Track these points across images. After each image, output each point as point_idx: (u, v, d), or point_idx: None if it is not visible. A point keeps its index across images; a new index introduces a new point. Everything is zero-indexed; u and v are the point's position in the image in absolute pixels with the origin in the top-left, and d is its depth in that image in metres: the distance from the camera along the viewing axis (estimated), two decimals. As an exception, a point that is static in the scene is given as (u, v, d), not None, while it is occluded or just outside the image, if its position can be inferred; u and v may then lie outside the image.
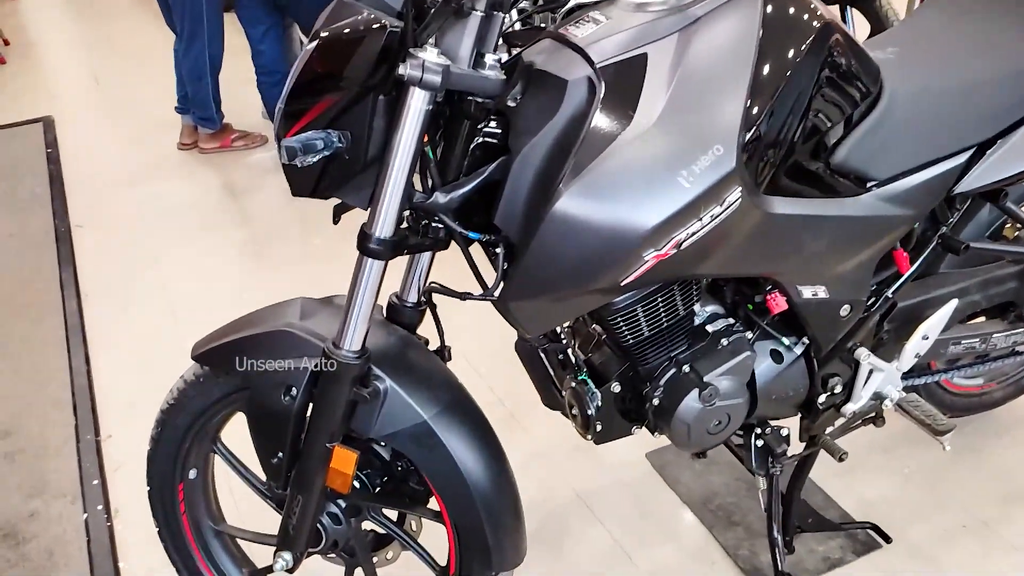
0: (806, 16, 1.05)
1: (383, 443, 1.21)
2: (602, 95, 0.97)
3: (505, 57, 1.06)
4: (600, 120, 0.96)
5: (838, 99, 1.10)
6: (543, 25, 1.29)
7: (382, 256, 1.03)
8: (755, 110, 0.98)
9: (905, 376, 1.56)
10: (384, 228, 1.01)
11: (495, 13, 0.98)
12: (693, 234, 0.98)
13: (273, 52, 3.09)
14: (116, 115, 4.07)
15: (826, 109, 1.09)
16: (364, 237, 1.02)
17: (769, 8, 1.02)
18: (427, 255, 1.22)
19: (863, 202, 1.18)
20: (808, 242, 1.15)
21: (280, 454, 1.17)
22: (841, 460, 1.39)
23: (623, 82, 0.98)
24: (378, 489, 1.28)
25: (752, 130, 0.98)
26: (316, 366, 1.10)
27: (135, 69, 4.58)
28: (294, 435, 1.14)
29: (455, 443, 1.16)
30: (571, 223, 0.95)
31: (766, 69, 1.00)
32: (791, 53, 1.02)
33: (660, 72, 0.98)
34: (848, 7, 2.03)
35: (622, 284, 1.01)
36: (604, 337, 1.32)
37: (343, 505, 1.27)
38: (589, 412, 1.26)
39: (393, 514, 1.35)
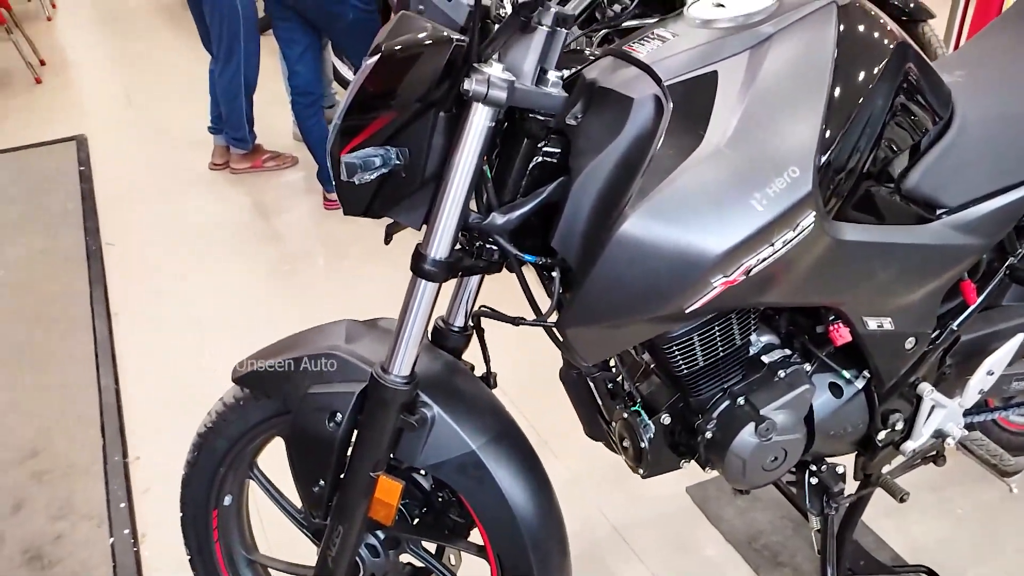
0: (881, 35, 1.02)
1: (425, 472, 1.16)
2: (670, 114, 0.93)
3: (567, 74, 1.03)
4: (668, 140, 0.92)
5: (911, 123, 1.06)
6: (583, 50, 1.26)
7: (437, 278, 0.99)
8: (830, 132, 0.95)
9: (966, 413, 1.50)
10: (440, 249, 0.98)
11: (558, 29, 0.95)
12: (764, 260, 0.94)
13: (309, 73, 3.10)
14: (148, 134, 4.10)
15: (899, 133, 1.05)
16: (419, 258, 0.99)
17: (843, 27, 0.99)
18: (476, 278, 1.18)
19: (933, 230, 1.13)
20: (877, 271, 1.10)
21: (322, 482, 1.12)
22: (903, 501, 1.32)
23: (692, 101, 0.94)
24: (417, 521, 1.24)
25: (828, 152, 0.94)
26: (363, 391, 1.06)
27: (167, 88, 4.62)
28: (337, 462, 1.10)
29: (503, 474, 1.11)
30: (637, 247, 0.91)
31: (842, 89, 0.96)
32: (867, 73, 0.98)
33: (731, 91, 0.94)
34: None
35: (687, 311, 0.96)
36: (653, 366, 1.27)
37: (382, 537, 1.22)
38: (642, 445, 1.21)
39: (432, 547, 1.30)
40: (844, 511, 1.48)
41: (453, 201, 0.96)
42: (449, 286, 1.15)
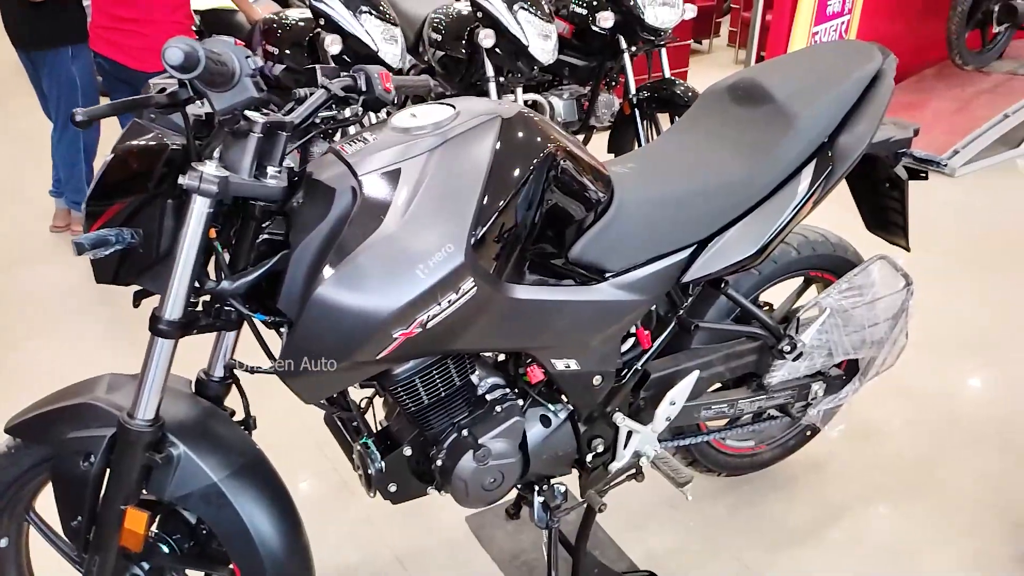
0: (534, 144, 1.30)
1: (178, 506, 1.33)
2: (360, 202, 1.18)
3: (294, 165, 1.27)
4: (356, 222, 1.17)
5: (568, 207, 1.35)
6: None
7: (170, 336, 1.19)
8: (483, 218, 1.21)
9: (676, 437, 1.81)
10: (172, 312, 1.18)
11: (279, 133, 1.19)
12: (435, 316, 1.19)
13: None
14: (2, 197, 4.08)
15: (558, 214, 1.34)
16: (155, 319, 1.18)
17: (502, 137, 1.27)
18: (232, 334, 1.38)
19: (601, 289, 1.43)
20: (552, 322, 1.38)
21: (80, 517, 1.27)
22: (600, 511, 1.59)
23: (378, 191, 1.20)
24: (183, 552, 1.39)
25: (481, 233, 1.21)
26: (114, 434, 1.23)
27: (21, 151, 4.59)
28: (92, 499, 1.26)
29: (246, 505, 1.29)
30: (329, 308, 1.14)
31: (494, 185, 1.23)
32: (517, 172, 1.26)
33: (409, 184, 1.21)
34: None
35: (378, 359, 1.20)
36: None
37: (147, 567, 1.37)
38: (371, 472, 1.43)
39: (199, 576, 1.46)
40: (579, 526, 1.74)
41: (182, 272, 1.16)
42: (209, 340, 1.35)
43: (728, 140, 1.58)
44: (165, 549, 1.38)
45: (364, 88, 1.31)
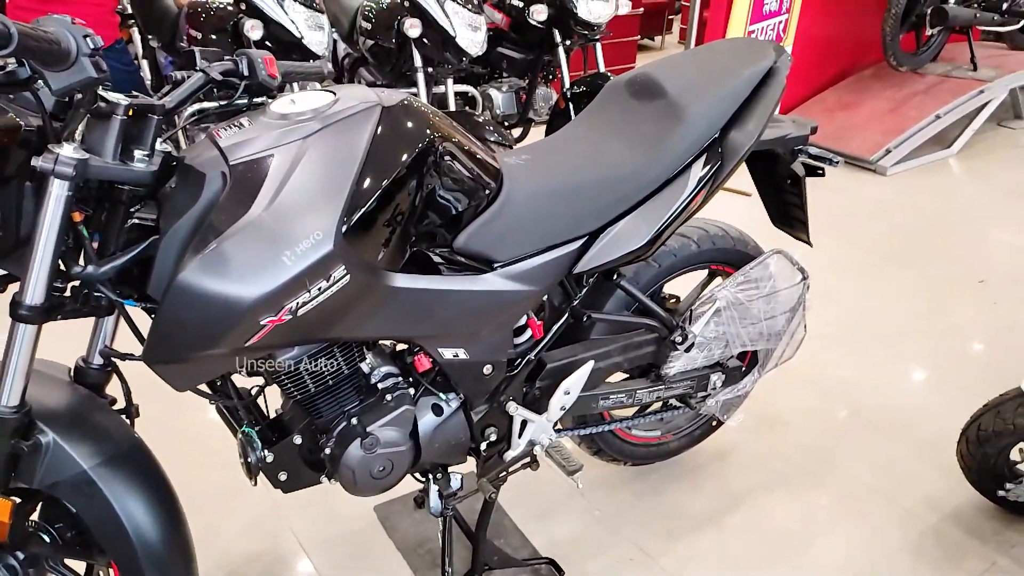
0: (415, 132, 1.30)
1: (51, 494, 1.31)
2: (229, 187, 1.17)
3: (169, 149, 1.25)
4: (223, 207, 1.16)
5: (451, 196, 1.36)
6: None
7: (32, 321, 1.16)
8: (356, 204, 1.21)
9: (578, 426, 1.83)
10: (34, 297, 1.15)
11: (148, 116, 1.17)
12: (305, 303, 1.19)
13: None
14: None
15: (439, 203, 1.34)
16: (15, 304, 1.16)
17: (382, 125, 1.27)
18: (111, 320, 1.36)
19: (487, 279, 1.43)
20: (438, 312, 1.39)
21: (-58, 506, 1.24)
22: (491, 499, 1.60)
23: (248, 177, 1.19)
24: (63, 541, 1.37)
25: (354, 221, 1.21)
26: (-23, 422, 1.20)
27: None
28: (-43, 488, 1.23)
29: (119, 494, 1.27)
30: (192, 292, 1.13)
31: (370, 172, 1.23)
32: (395, 160, 1.26)
33: (281, 170, 1.20)
34: None
35: (247, 346, 1.19)
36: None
37: (21, 557, 1.34)
38: (251, 460, 1.42)
39: (81, 567, 1.44)
40: (479, 514, 1.75)
41: (41, 257, 1.13)
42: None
43: (623, 133, 1.60)
44: (46, 538, 1.35)
45: (246, 73, 1.30)
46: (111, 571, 1.45)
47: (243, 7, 2.87)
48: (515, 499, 2.04)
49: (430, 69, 3.09)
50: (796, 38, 4.86)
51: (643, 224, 1.55)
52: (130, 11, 3.63)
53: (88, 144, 1.14)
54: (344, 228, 1.19)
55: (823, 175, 1.87)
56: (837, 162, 1.79)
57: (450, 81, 3.20)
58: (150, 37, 3.66)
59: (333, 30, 3.36)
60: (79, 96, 1.08)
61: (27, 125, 1.09)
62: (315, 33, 2.85)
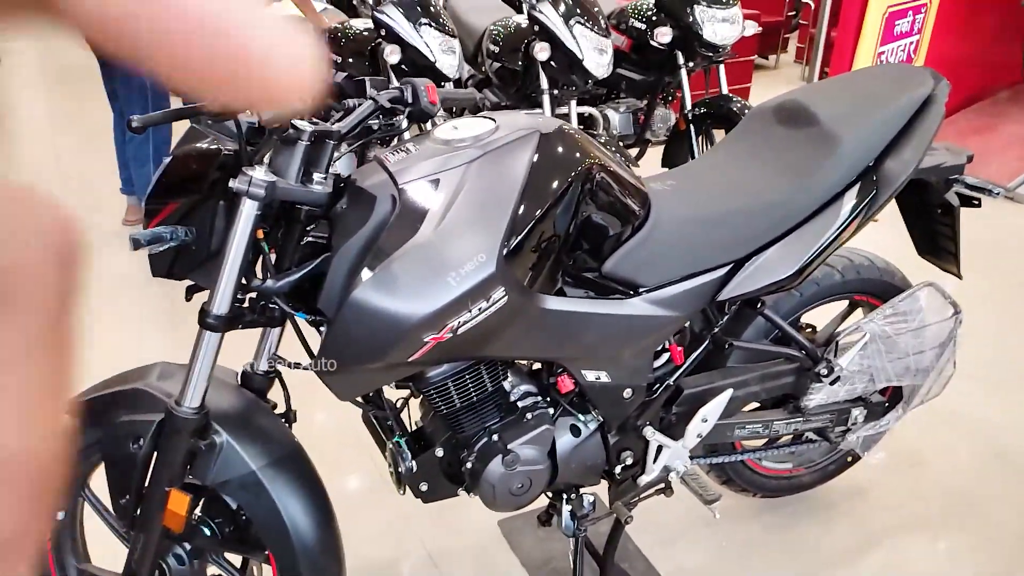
0: (571, 159, 1.34)
1: (219, 491, 1.40)
2: (399, 210, 1.23)
3: (341, 172, 1.33)
4: (394, 228, 1.22)
5: (603, 221, 1.38)
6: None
7: (217, 329, 1.26)
8: (517, 228, 1.25)
9: (709, 454, 1.81)
10: (220, 307, 1.24)
11: (326, 141, 1.25)
12: (465, 323, 1.23)
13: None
14: (71, 191, 4.31)
15: (592, 228, 1.37)
16: (203, 313, 1.25)
17: (539, 152, 1.30)
18: (276, 330, 1.44)
19: (633, 304, 1.45)
20: (583, 334, 1.41)
21: (128, 496, 1.35)
22: (627, 523, 1.60)
23: (417, 200, 1.25)
24: (223, 536, 1.46)
25: (514, 244, 1.24)
26: (162, 420, 1.31)
27: (97, 148, 4.84)
28: (139, 480, 1.33)
29: (281, 494, 1.35)
30: (363, 311, 1.19)
31: (529, 198, 1.27)
32: (553, 186, 1.29)
33: (447, 194, 1.25)
34: None
35: (410, 361, 1.25)
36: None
37: (188, 548, 1.44)
38: (401, 471, 1.48)
39: (238, 561, 1.53)
40: (608, 537, 1.75)
41: (230, 270, 1.23)
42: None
43: (771, 161, 1.58)
44: (207, 532, 1.45)
45: (410, 100, 1.36)
46: (266, 567, 1.54)
47: (382, 32, 3.00)
48: (639, 524, 2.02)
49: (555, 91, 3.14)
50: (927, 59, 4.66)
51: (791, 254, 1.52)
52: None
53: (274, 167, 1.22)
54: (505, 251, 1.23)
55: (979, 206, 1.79)
56: (998, 193, 1.71)
57: (573, 103, 3.24)
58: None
59: (459, 53, 3.46)
60: (273, 125, 1.16)
61: (225, 149, 1.19)
62: (447, 57, 2.95)
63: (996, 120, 4.95)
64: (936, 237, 1.84)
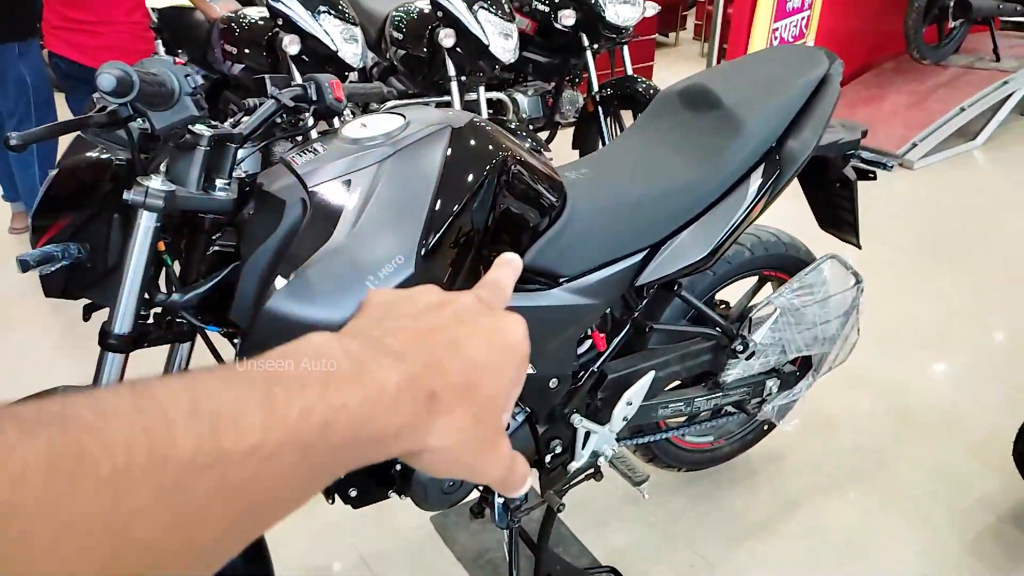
0: (485, 152, 1.32)
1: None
2: (310, 213, 1.19)
3: (244, 174, 1.27)
4: (306, 234, 1.18)
5: (521, 213, 1.37)
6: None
7: (120, 349, 1.18)
8: (433, 227, 1.22)
9: (635, 435, 1.84)
10: (122, 326, 1.17)
11: (227, 145, 1.19)
12: (387, 326, 1.20)
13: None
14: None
15: (510, 221, 1.36)
16: (104, 334, 1.18)
17: (452, 146, 1.28)
18: (186, 345, 1.37)
19: (554, 295, 1.44)
20: (507, 328, 1.40)
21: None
22: (559, 511, 1.62)
23: (329, 203, 1.20)
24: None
25: (432, 243, 1.22)
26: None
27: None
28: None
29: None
30: (278, 320, 1.15)
31: (444, 194, 1.24)
32: (468, 181, 1.27)
33: (359, 195, 1.21)
34: None
35: (331, 369, 1.21)
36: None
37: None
38: (329, 479, 1.44)
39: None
40: (540, 524, 1.76)
41: (130, 286, 1.16)
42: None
43: (679, 145, 1.60)
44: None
45: (315, 97, 1.31)
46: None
47: (279, 21, 2.89)
48: (570, 509, 2.05)
49: (463, 78, 3.11)
50: (817, 33, 4.85)
51: (704, 235, 1.55)
52: (161, 27, 3.66)
53: (172, 175, 1.15)
54: (423, 251, 1.21)
55: (875, 178, 1.87)
56: (891, 166, 1.79)
57: (482, 89, 3.21)
58: (179, 52, 3.69)
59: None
60: (163, 133, 1.10)
61: (116, 159, 1.11)
62: (350, 45, 2.86)
63: (883, 90, 5.21)
64: (836, 210, 1.92)
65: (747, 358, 1.78)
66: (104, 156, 1.11)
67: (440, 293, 0.45)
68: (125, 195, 1.10)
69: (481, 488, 1.65)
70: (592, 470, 1.69)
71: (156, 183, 1.11)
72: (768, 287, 2.00)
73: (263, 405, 0.33)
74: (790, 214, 2.09)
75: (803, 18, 4.73)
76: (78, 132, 1.15)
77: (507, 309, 0.44)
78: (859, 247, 1.94)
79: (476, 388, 0.41)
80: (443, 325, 0.42)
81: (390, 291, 0.45)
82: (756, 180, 1.58)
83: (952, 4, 4.96)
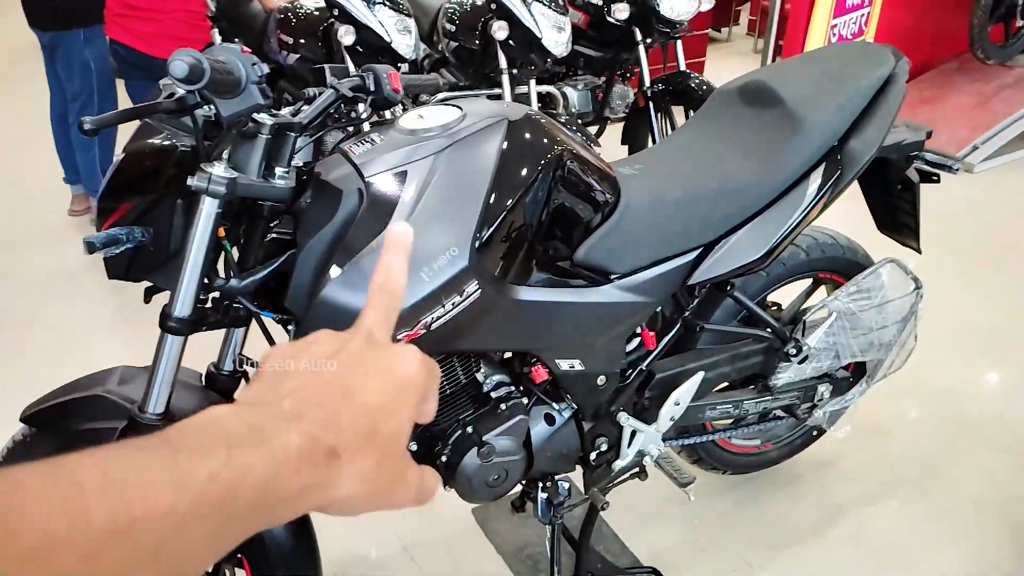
0: (541, 146, 1.31)
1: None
2: (366, 203, 1.20)
3: (303, 163, 1.28)
4: (362, 223, 1.18)
5: (575, 208, 1.36)
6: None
7: (180, 332, 1.21)
8: (488, 220, 1.22)
9: (681, 436, 1.82)
10: (182, 309, 1.20)
11: (287, 134, 1.20)
12: (439, 318, 1.21)
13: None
14: (9, 182, 4.13)
15: (564, 216, 1.35)
16: (164, 316, 1.20)
17: (508, 140, 1.28)
18: (241, 330, 1.40)
19: (605, 291, 1.43)
20: (557, 324, 1.39)
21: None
22: (603, 509, 1.61)
23: (384, 193, 1.21)
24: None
25: (486, 236, 1.22)
26: (124, 427, 1.26)
27: (38, 137, 4.64)
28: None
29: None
30: (333, 308, 1.16)
31: (500, 187, 1.24)
32: (523, 174, 1.27)
33: (415, 186, 1.22)
34: None
35: (382, 358, 1.21)
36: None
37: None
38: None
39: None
40: (583, 522, 1.76)
41: (191, 270, 1.18)
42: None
43: (737, 143, 1.58)
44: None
45: (372, 88, 1.32)
46: (239, 571, 1.51)
47: (335, 12, 2.91)
48: (613, 507, 2.03)
49: (514, 71, 3.10)
50: (877, 30, 4.72)
51: (760, 236, 1.52)
52: (219, 15, 3.72)
53: (234, 163, 1.17)
54: (477, 244, 1.21)
55: (938, 181, 1.82)
56: (957, 169, 1.73)
57: (533, 82, 3.19)
58: (236, 41, 3.74)
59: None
60: (227, 121, 1.11)
61: (181, 145, 1.13)
62: (403, 37, 2.88)
63: (944, 91, 5.05)
64: (896, 213, 1.87)
65: (799, 362, 1.74)
66: (169, 142, 1.13)
67: (330, 340, 0.47)
68: (188, 181, 1.12)
69: (524, 482, 1.64)
70: (637, 469, 1.67)
71: (219, 170, 1.13)
72: (822, 290, 1.96)
73: (171, 472, 0.35)
74: (848, 215, 2.04)
75: (863, 15, 4.61)
76: (145, 119, 1.18)
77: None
78: (919, 251, 1.88)
79: (375, 434, 0.42)
80: (335, 377, 0.43)
81: (284, 348, 0.46)
82: (816, 180, 1.55)
83: (1021, 2, 4.78)
